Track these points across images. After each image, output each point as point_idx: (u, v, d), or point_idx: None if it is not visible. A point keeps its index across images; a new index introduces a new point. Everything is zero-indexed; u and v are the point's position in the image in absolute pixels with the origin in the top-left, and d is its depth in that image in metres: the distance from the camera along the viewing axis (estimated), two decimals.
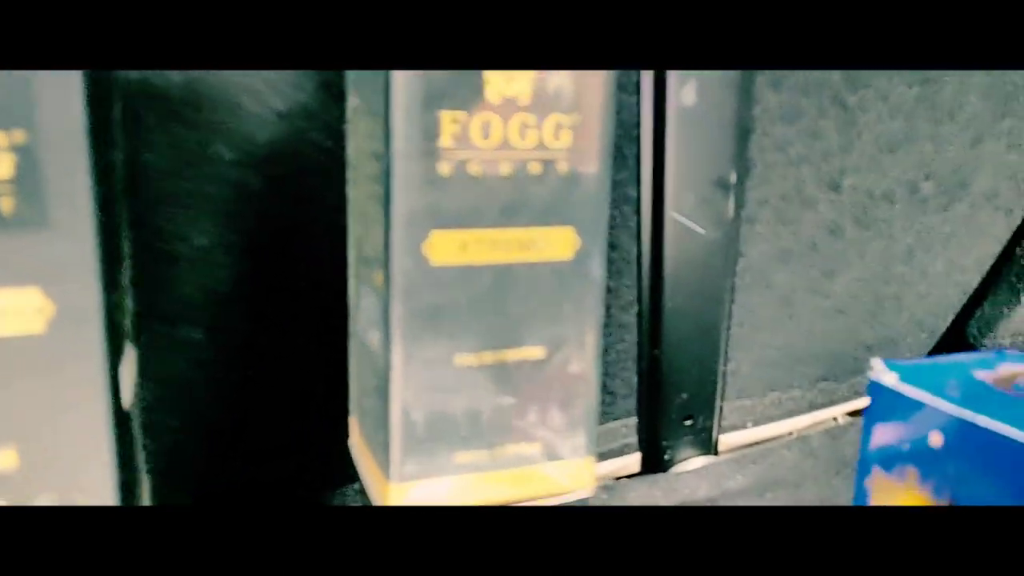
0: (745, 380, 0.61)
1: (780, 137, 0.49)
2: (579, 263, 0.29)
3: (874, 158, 0.52)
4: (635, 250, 0.48)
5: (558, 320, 0.30)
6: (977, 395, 0.25)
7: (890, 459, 0.26)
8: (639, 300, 0.51)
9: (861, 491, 0.28)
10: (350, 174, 0.32)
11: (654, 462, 0.61)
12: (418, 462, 0.29)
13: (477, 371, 0.29)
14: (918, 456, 0.25)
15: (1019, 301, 0.61)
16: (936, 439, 0.25)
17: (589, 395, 0.31)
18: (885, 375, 0.26)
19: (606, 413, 0.56)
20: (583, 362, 0.30)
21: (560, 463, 0.31)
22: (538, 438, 0.30)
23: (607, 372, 0.54)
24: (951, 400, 0.25)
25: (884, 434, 0.27)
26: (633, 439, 0.59)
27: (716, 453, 0.63)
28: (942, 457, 0.25)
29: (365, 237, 0.30)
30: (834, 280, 0.59)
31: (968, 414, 0.24)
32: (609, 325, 0.51)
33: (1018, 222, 0.60)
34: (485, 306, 0.28)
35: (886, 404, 0.26)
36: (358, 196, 0.30)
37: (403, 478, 0.29)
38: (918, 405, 0.25)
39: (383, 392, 0.29)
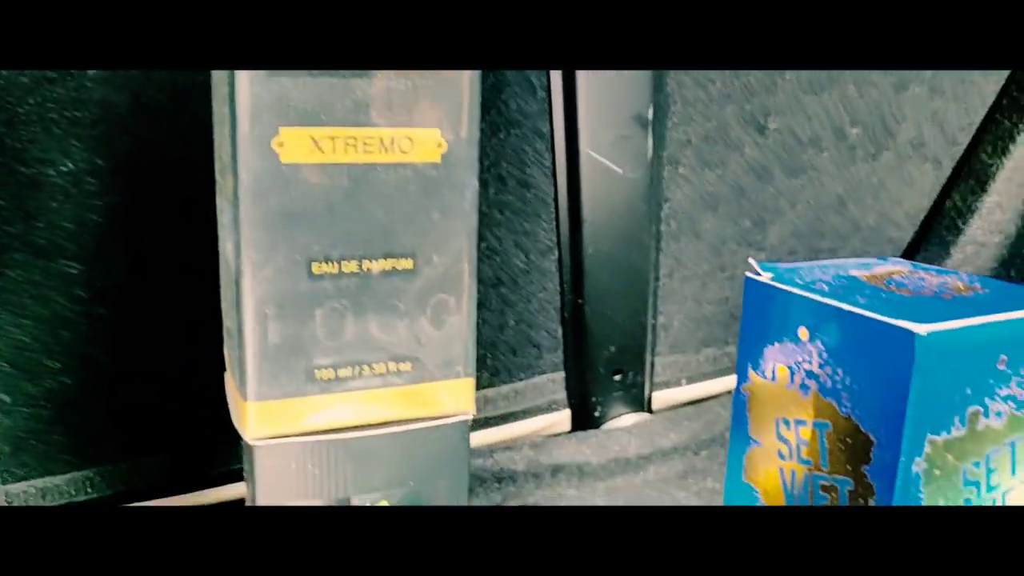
0: (677, 335, 0.59)
1: (700, 72, 0.47)
2: (448, 168, 0.28)
3: (798, 99, 0.51)
4: (551, 190, 0.47)
5: (427, 229, 0.28)
6: (847, 288, 0.24)
7: (762, 359, 0.25)
8: (558, 245, 0.49)
9: (740, 400, 0.26)
10: (212, 83, 0.30)
11: (585, 419, 0.59)
12: (276, 379, 0.27)
13: (338, 282, 0.27)
14: (788, 352, 0.24)
15: (949, 256, 0.60)
16: (803, 333, 0.24)
17: (464, 311, 0.29)
18: (760, 274, 0.25)
19: (531, 367, 0.55)
20: (456, 275, 0.29)
21: (436, 384, 0.30)
22: (410, 357, 0.29)
23: (530, 324, 0.52)
24: (819, 293, 0.23)
25: (757, 334, 0.25)
26: (562, 395, 0.57)
27: (650, 410, 0.61)
28: (809, 350, 0.23)
29: (221, 143, 0.28)
30: (767, 232, 0.57)
31: (832, 302, 0.23)
32: (529, 272, 0.50)
33: (947, 174, 0.59)
34: (344, 211, 0.27)
35: (759, 302, 0.25)
36: (216, 101, 0.29)
37: (260, 397, 0.27)
38: (788, 299, 0.24)
39: (237, 304, 0.27)
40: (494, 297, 0.49)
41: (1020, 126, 0.57)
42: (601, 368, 0.57)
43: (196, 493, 0.47)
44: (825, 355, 0.23)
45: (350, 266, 0.27)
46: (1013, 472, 0.23)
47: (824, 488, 0.24)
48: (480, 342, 0.51)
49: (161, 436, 0.44)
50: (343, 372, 0.28)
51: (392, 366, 0.29)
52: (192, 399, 0.42)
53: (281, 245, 0.26)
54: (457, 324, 0.29)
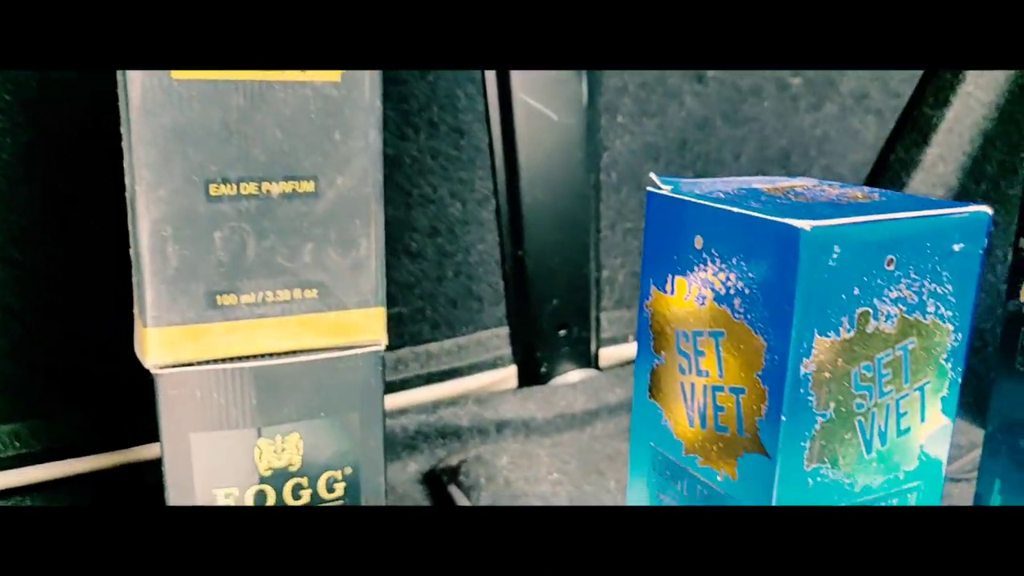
0: (623, 290, 0.59)
1: None
2: (348, 87, 0.27)
3: None
4: (485, 137, 0.46)
5: (328, 151, 0.27)
6: (744, 197, 0.23)
7: (662, 273, 0.25)
8: (495, 194, 0.49)
9: (643, 318, 0.26)
10: None
11: (531, 376, 0.59)
12: (176, 304, 0.27)
13: (238, 204, 0.27)
14: (686, 264, 0.24)
15: None
16: (699, 242, 0.23)
17: (372, 237, 0.29)
18: (661, 187, 0.25)
19: (474, 321, 0.54)
20: (362, 200, 0.28)
21: (345, 313, 0.29)
22: (316, 283, 0.28)
23: (470, 276, 0.52)
24: (714, 201, 0.23)
25: (658, 250, 0.25)
26: (507, 351, 0.57)
27: (597, 367, 0.61)
28: (704, 259, 0.23)
29: None
30: None
31: (725, 207, 0.22)
32: (467, 222, 0.49)
33: (890, 127, 0.59)
34: (241, 131, 0.26)
35: (660, 217, 0.25)
36: None
37: (159, 322, 0.27)
38: (685, 209, 0.24)
39: (134, 226, 0.26)
40: (431, 248, 0.49)
41: (960, 78, 0.57)
42: (545, 323, 0.56)
43: (126, 450, 0.47)
44: (719, 262, 0.23)
45: (249, 188, 0.27)
46: (906, 379, 0.23)
47: (721, 399, 0.23)
48: (420, 295, 0.51)
49: (88, 392, 0.43)
50: (246, 298, 0.28)
51: (298, 293, 0.28)
52: (119, 357, 0.41)
53: (175, 165, 0.26)
54: (365, 250, 0.29)
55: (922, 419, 0.24)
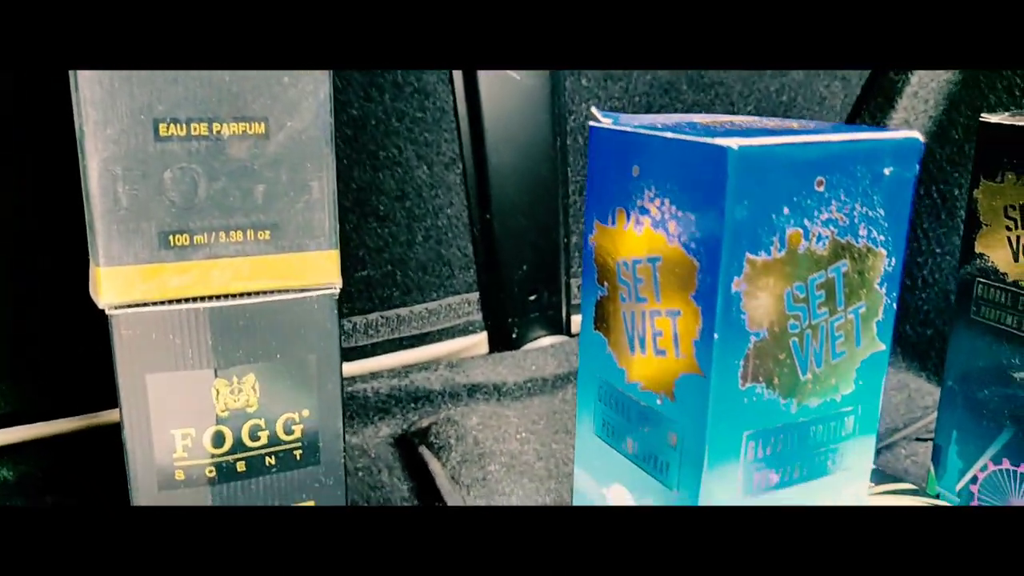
0: None
1: None
2: None
3: None
4: (450, 98, 0.47)
5: (277, 93, 0.28)
6: (680, 127, 0.24)
7: (605, 207, 0.25)
8: (462, 157, 0.49)
9: (588, 251, 0.27)
10: None
11: (502, 341, 0.60)
12: (128, 244, 0.27)
13: (188, 144, 0.27)
14: (625, 194, 0.24)
15: None
16: (636, 170, 0.24)
17: (324, 180, 0.29)
18: (601, 120, 0.25)
19: (444, 286, 0.55)
20: (313, 142, 0.29)
21: (298, 255, 0.29)
22: (269, 225, 0.29)
23: (439, 240, 0.52)
24: (651, 129, 0.23)
25: (600, 183, 0.25)
26: (478, 316, 0.58)
27: (569, 333, 0.62)
28: (641, 187, 0.24)
29: None
30: None
31: (659, 134, 0.23)
32: (434, 185, 0.50)
33: (856, 92, 0.60)
34: (188, 71, 0.26)
35: (601, 150, 0.25)
36: None
37: (111, 261, 0.27)
38: (623, 140, 0.24)
39: (84, 166, 0.26)
40: (399, 211, 0.49)
41: None
42: (515, 289, 0.57)
43: (95, 414, 0.47)
44: (654, 189, 0.23)
45: (199, 128, 0.27)
46: (840, 302, 0.24)
47: (659, 323, 0.24)
48: (389, 259, 0.51)
49: (59, 357, 0.44)
50: (198, 239, 0.28)
51: (251, 234, 0.29)
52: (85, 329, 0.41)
53: (122, 104, 0.26)
54: (317, 193, 0.29)
55: (857, 343, 0.25)
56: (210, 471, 0.30)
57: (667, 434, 0.24)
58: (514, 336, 0.59)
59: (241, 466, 0.31)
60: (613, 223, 0.25)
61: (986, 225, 0.41)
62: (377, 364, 0.55)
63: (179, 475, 0.30)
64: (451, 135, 0.48)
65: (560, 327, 0.60)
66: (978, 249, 0.42)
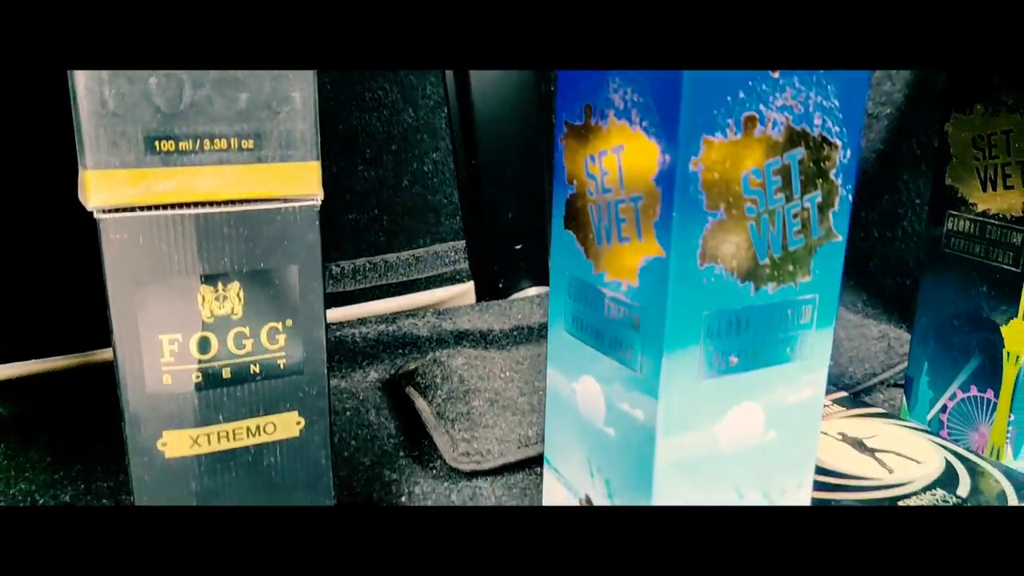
0: None
1: None
2: None
3: None
4: None
5: None
6: None
7: (573, 106, 0.26)
8: (446, 100, 0.50)
9: (559, 150, 0.27)
10: None
11: (489, 291, 0.61)
12: (115, 147, 0.28)
13: None
14: (586, 89, 0.25)
15: None
16: None
17: (308, 91, 0.30)
18: None
19: (431, 233, 0.56)
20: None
21: (281, 165, 0.30)
22: (251, 134, 0.30)
23: (425, 185, 0.53)
24: None
25: (570, 82, 0.26)
26: (464, 265, 0.59)
27: None
28: (605, 79, 0.25)
29: None
30: None
31: None
32: (420, 129, 0.51)
33: None
34: None
35: None
36: None
37: (98, 164, 0.28)
38: None
39: (72, 71, 0.27)
40: (385, 154, 0.50)
41: None
42: (502, 237, 0.58)
43: (89, 352, 0.48)
44: (618, 80, 0.24)
45: None
46: (796, 189, 0.25)
47: (623, 211, 0.25)
48: (376, 203, 0.52)
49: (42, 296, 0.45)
50: (184, 144, 0.29)
51: (234, 142, 0.30)
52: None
53: None
54: (299, 103, 0.30)
55: (814, 233, 0.26)
56: (196, 376, 0.31)
57: (631, 318, 0.25)
58: (500, 286, 0.60)
59: (226, 373, 0.32)
60: (581, 119, 0.26)
61: (955, 157, 0.42)
62: (365, 310, 0.56)
63: (167, 379, 0.31)
64: (436, 78, 0.49)
65: (547, 277, 0.61)
66: (948, 182, 0.43)
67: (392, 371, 0.55)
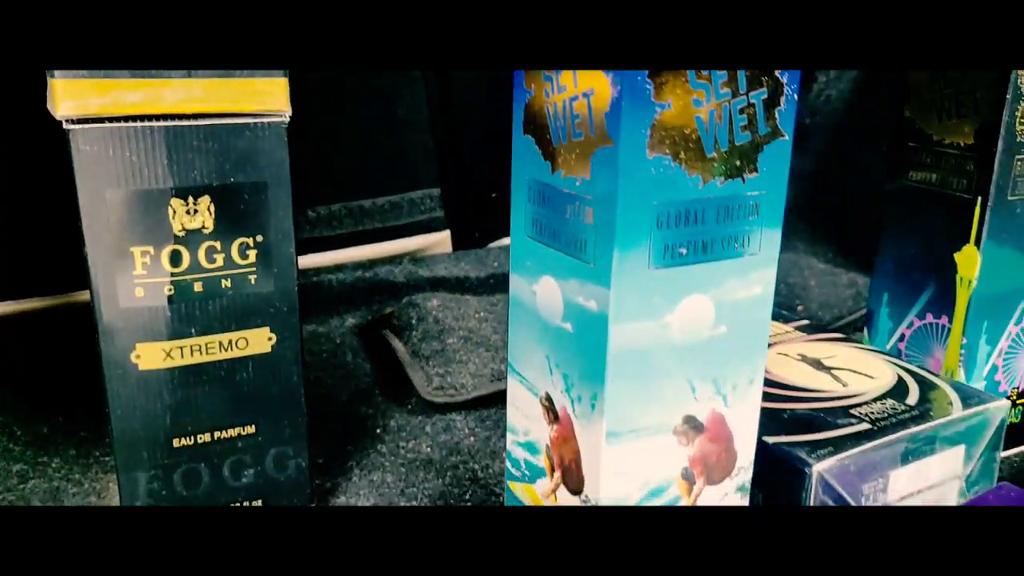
0: None
1: None
2: None
3: None
4: None
5: None
6: None
7: None
8: None
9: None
10: None
11: (465, 239, 0.62)
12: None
13: None
14: None
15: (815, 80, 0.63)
16: None
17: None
18: None
19: (406, 179, 0.57)
20: None
21: (248, 81, 0.31)
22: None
23: (400, 131, 0.54)
24: None
25: None
26: (440, 213, 0.59)
27: None
28: None
29: None
30: None
31: None
32: (396, 76, 0.51)
33: None
34: None
35: None
36: None
37: (66, 74, 0.29)
38: None
39: None
40: (361, 100, 0.51)
41: None
42: (477, 185, 0.59)
43: (67, 294, 0.48)
44: None
45: None
46: (742, 85, 0.26)
47: (577, 107, 0.26)
48: (347, 149, 0.53)
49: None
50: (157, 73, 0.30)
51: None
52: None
53: None
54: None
55: (760, 129, 0.27)
56: (169, 289, 0.32)
57: (584, 212, 0.26)
58: (476, 235, 0.61)
59: (198, 287, 0.33)
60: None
61: (913, 91, 0.43)
62: (342, 256, 0.57)
63: (139, 292, 0.32)
64: None
65: None
66: (907, 115, 0.44)
67: (368, 316, 0.56)
